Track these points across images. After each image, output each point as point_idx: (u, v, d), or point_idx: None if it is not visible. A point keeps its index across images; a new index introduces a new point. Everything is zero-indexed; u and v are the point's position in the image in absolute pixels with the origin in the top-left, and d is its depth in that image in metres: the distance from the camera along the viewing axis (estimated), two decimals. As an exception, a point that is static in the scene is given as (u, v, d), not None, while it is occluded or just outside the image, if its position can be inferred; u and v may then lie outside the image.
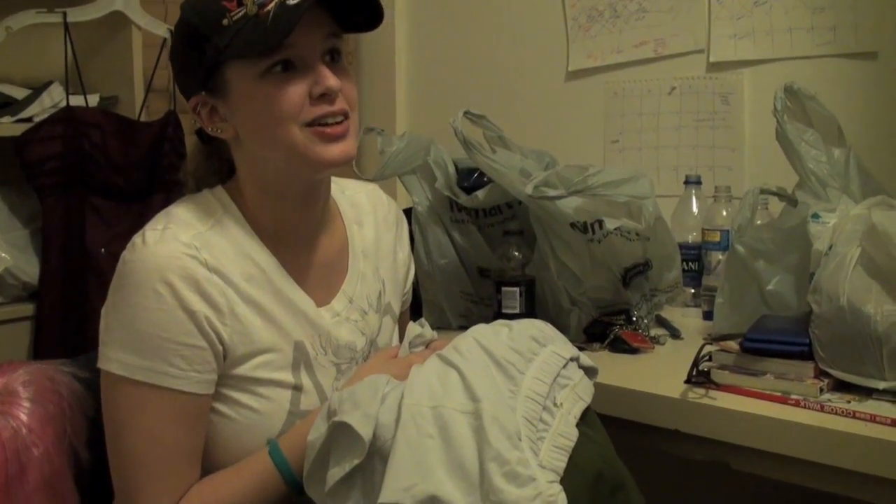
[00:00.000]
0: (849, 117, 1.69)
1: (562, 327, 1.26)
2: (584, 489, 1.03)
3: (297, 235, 1.23)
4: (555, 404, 1.08)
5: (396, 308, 1.39)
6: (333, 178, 1.31)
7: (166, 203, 1.25)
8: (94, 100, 2.19)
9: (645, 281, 1.75)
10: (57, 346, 2.04)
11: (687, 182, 1.99)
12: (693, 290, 1.90)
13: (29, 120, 2.08)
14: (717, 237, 1.83)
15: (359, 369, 1.23)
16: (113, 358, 1.11)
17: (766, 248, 1.59)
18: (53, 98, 2.14)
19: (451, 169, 1.78)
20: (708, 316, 1.77)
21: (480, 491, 0.96)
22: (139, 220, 1.27)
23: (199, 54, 1.13)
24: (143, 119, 2.26)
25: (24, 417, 1.28)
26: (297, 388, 1.18)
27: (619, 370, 1.53)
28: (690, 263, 1.90)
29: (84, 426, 1.24)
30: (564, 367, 1.14)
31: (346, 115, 1.15)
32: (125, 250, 1.13)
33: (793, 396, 1.34)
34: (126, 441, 1.12)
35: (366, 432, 1.01)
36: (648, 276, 1.75)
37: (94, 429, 1.23)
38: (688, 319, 1.83)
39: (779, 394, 1.35)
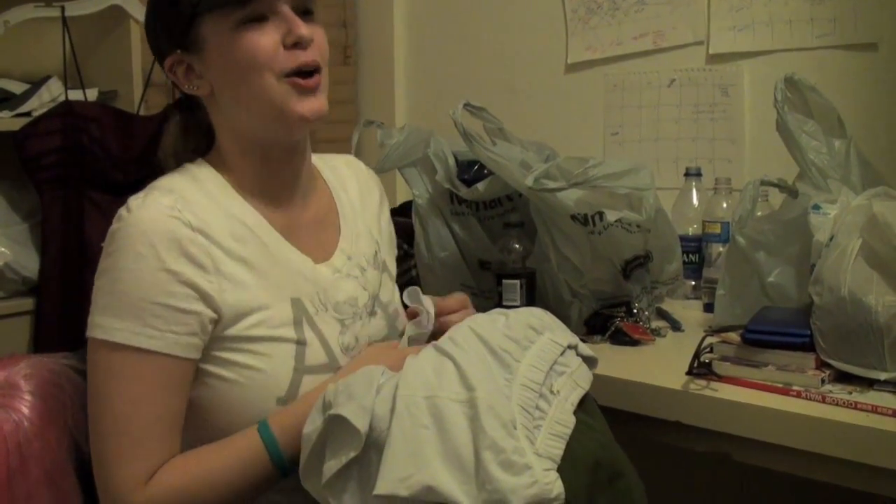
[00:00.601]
0: (849, 108, 1.69)
1: (562, 319, 1.25)
2: (582, 477, 1.03)
3: (284, 196, 1.24)
4: (551, 391, 1.07)
5: (392, 267, 1.40)
6: (313, 154, 1.33)
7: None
8: (92, 94, 2.19)
9: (646, 273, 1.75)
10: (57, 339, 2.04)
11: (687, 174, 1.98)
12: (694, 283, 1.90)
13: (27, 114, 2.07)
14: (717, 229, 1.83)
15: (354, 361, 1.23)
16: (95, 324, 1.11)
17: (766, 240, 1.59)
18: (52, 92, 2.13)
19: (452, 161, 1.78)
20: (709, 308, 1.77)
21: (476, 480, 0.96)
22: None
23: (174, 11, 1.17)
24: (141, 113, 2.25)
25: (25, 411, 1.28)
26: (301, 343, 1.18)
27: (620, 362, 1.53)
28: (691, 255, 1.90)
29: (85, 419, 1.24)
30: (562, 354, 1.13)
31: (317, 68, 1.18)
32: (112, 223, 1.15)
33: (794, 387, 1.34)
34: (103, 406, 1.11)
35: (361, 424, 1.01)
36: (649, 268, 1.75)
37: (96, 422, 1.23)
38: (688, 311, 1.83)
39: (780, 385, 1.35)
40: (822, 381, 1.34)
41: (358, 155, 1.76)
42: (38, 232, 2.07)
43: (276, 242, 1.21)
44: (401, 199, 2.48)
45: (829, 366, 1.37)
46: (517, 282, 1.67)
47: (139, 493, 1.09)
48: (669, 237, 1.77)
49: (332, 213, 1.32)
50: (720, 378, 1.39)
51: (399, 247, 2.01)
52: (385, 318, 1.32)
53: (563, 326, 1.20)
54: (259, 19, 1.14)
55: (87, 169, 2.10)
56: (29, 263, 2.05)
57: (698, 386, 1.38)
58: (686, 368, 1.40)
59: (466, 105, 1.74)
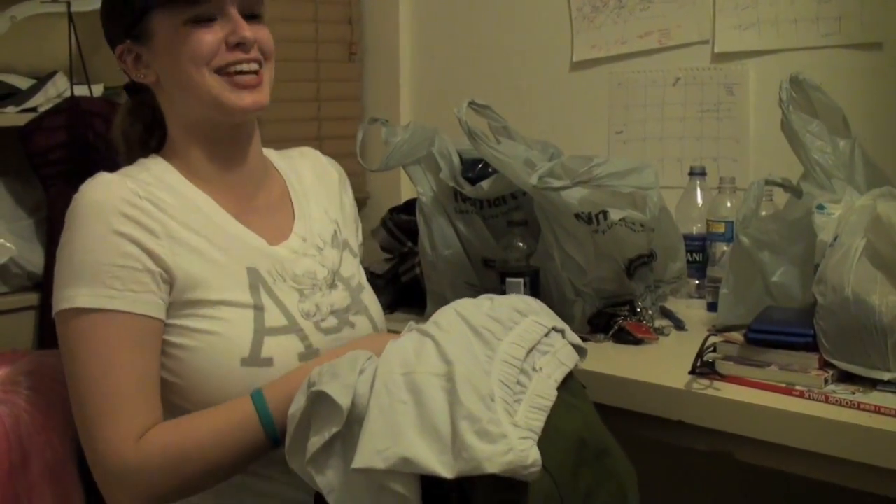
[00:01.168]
0: (854, 108, 1.69)
1: (566, 318, 1.25)
2: (568, 453, 1.04)
3: (236, 181, 1.30)
4: (534, 369, 1.08)
5: (354, 245, 1.44)
6: (265, 149, 1.39)
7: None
8: (98, 90, 2.19)
9: (649, 272, 1.74)
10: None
11: (691, 173, 1.98)
12: (697, 282, 1.89)
13: (33, 110, 2.07)
14: (721, 228, 1.83)
15: (343, 348, 1.24)
16: (58, 298, 1.15)
17: (770, 240, 1.59)
18: (58, 88, 2.13)
19: (456, 159, 1.78)
20: (712, 307, 1.77)
21: (453, 450, 0.96)
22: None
23: (127, 3, 1.24)
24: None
25: (27, 406, 1.29)
26: (259, 308, 1.21)
27: (624, 361, 1.53)
28: (695, 254, 1.90)
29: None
30: (546, 335, 1.14)
31: (259, 65, 1.26)
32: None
33: (797, 387, 1.33)
34: (79, 373, 1.14)
35: (344, 401, 1.02)
36: (653, 267, 1.75)
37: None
38: (692, 311, 1.83)
39: (783, 385, 1.35)
40: (826, 382, 1.34)
41: (362, 152, 1.76)
42: (44, 227, 2.07)
43: (229, 223, 1.26)
44: (405, 196, 2.48)
45: (832, 366, 1.37)
46: (521, 280, 1.67)
47: (130, 450, 1.11)
48: (673, 236, 1.76)
49: (285, 198, 1.37)
50: (723, 377, 1.39)
51: (403, 244, 2.02)
52: (347, 290, 1.34)
53: (552, 313, 1.21)
54: (208, 19, 1.22)
55: (92, 164, 2.09)
56: (34, 258, 2.05)
57: (701, 385, 1.38)
58: (689, 368, 1.40)
59: (471, 103, 1.74)
